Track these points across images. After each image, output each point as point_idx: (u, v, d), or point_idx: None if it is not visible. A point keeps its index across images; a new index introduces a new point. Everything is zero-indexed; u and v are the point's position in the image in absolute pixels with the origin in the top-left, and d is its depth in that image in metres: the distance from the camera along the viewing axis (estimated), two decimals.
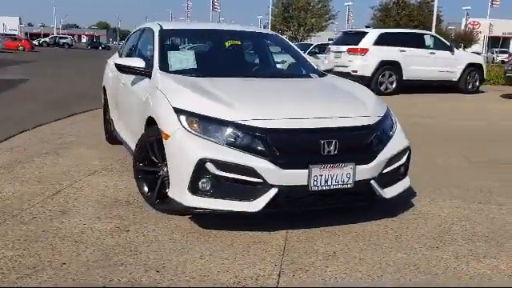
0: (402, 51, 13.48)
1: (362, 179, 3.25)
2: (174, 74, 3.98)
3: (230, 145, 3.08)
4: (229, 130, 3.12)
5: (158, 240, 3.14)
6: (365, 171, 3.25)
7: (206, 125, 3.16)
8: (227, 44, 4.68)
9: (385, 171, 3.39)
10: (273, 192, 3.05)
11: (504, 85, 17.53)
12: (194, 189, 3.11)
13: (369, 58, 13.09)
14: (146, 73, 4.10)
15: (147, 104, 3.82)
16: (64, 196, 3.98)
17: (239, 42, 4.84)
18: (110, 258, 2.87)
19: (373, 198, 3.41)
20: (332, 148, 3.14)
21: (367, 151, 3.32)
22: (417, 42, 14.04)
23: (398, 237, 3.34)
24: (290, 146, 3.12)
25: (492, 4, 51.66)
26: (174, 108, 3.31)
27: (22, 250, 2.95)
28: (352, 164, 3.18)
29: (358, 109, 3.52)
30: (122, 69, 4.24)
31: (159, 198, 3.58)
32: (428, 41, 14.28)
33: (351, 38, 14.04)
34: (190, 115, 3.22)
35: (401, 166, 3.54)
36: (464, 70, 14.41)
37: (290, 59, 4.85)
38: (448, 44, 14.83)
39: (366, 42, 13.34)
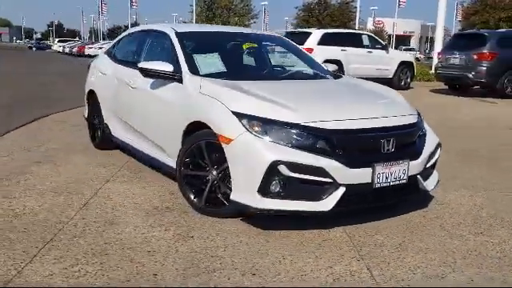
0: (343, 50, 14.11)
1: (412, 174, 3.47)
2: (207, 77, 3.96)
3: (298, 147, 3.16)
4: (295, 132, 3.19)
5: (230, 244, 3.15)
6: (415, 167, 3.48)
7: (270, 128, 3.21)
8: (245, 47, 4.72)
9: (427, 166, 3.64)
10: (341, 191, 3.17)
11: (428, 81, 18.90)
12: (264, 191, 3.16)
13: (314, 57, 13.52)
14: (175, 77, 4.05)
15: (187, 108, 3.78)
16: (97, 206, 3.83)
17: (256, 45, 4.90)
18: (198, 264, 2.86)
19: (418, 192, 3.64)
20: (390, 146, 3.33)
21: (416, 148, 3.55)
22: (356, 41, 14.74)
23: (442, 226, 3.60)
24: (355, 146, 3.27)
25: (400, 4, 55.04)
26: (233, 112, 3.33)
27: (100, 263, 2.84)
28: (407, 160, 3.40)
29: (399, 108, 3.74)
30: (147, 73, 4.14)
31: (208, 203, 3.58)
32: (365, 40, 15.04)
33: (296, 39, 14.38)
34: (253, 119, 3.26)
35: (436, 160, 3.82)
36: (397, 68, 15.35)
37: (297, 61, 4.97)
38: (383, 43, 15.71)
39: (311, 42, 13.80)
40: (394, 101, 3.93)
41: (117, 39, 5.80)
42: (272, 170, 3.10)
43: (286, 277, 2.74)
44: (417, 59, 28.98)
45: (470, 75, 13.21)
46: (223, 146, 3.33)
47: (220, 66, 4.26)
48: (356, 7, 35.01)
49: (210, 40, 4.75)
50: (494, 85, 13.14)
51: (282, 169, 3.10)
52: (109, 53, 5.69)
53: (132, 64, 4.92)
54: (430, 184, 3.70)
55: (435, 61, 18.66)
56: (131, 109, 4.76)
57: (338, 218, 3.49)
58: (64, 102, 9.95)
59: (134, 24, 71.18)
